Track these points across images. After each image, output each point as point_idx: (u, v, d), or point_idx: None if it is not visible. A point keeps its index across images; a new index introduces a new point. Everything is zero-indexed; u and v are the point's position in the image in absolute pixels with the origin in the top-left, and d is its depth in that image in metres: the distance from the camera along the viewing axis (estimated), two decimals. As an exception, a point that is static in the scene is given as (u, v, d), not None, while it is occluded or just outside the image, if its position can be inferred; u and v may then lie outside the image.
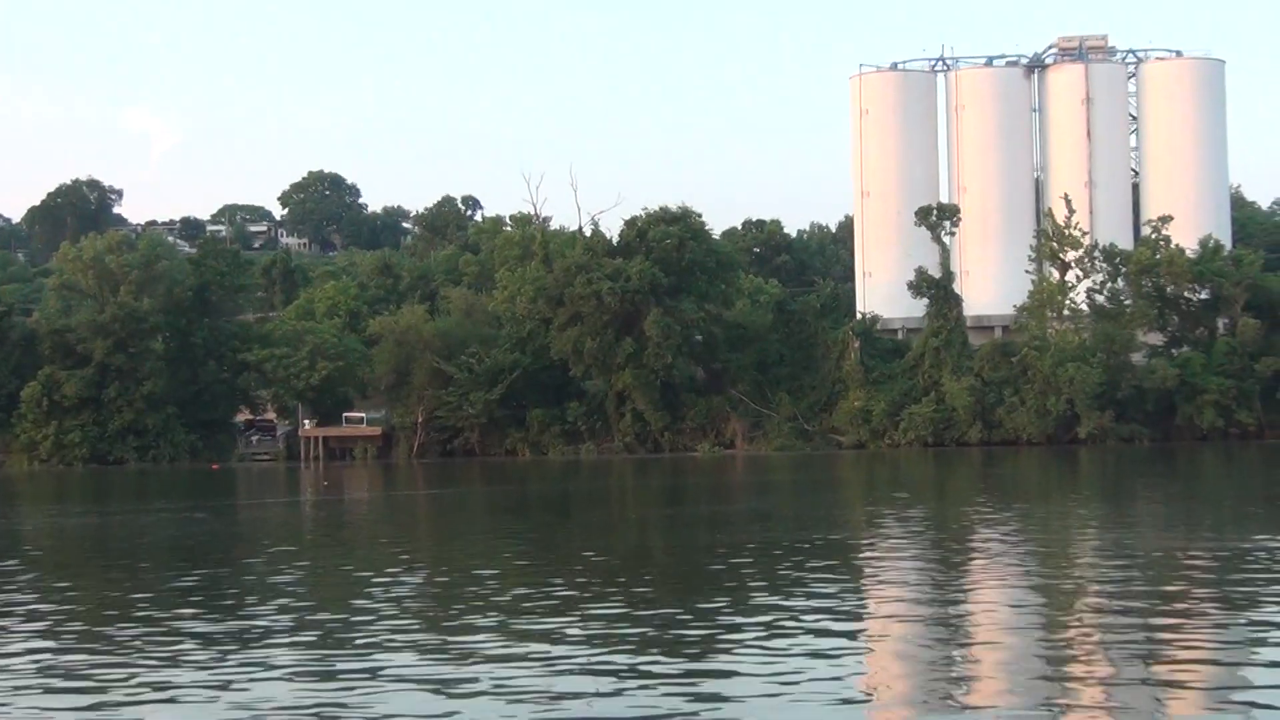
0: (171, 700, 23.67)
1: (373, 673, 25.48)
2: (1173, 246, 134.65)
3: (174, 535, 58.58)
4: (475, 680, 24.51)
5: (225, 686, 24.58)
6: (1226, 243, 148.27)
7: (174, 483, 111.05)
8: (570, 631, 29.45)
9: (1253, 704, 21.72)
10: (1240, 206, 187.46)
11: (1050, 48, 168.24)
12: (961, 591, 35.75)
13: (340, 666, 26.22)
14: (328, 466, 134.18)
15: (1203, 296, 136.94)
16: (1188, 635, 27.63)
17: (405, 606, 34.14)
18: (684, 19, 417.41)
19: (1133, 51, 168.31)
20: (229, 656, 27.50)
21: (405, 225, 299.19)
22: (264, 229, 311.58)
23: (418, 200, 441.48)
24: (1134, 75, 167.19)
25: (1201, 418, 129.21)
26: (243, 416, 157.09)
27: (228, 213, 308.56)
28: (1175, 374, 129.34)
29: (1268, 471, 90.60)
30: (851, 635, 29.10)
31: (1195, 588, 33.99)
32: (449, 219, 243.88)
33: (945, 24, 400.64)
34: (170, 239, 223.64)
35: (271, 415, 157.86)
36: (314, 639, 29.59)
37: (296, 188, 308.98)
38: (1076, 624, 29.52)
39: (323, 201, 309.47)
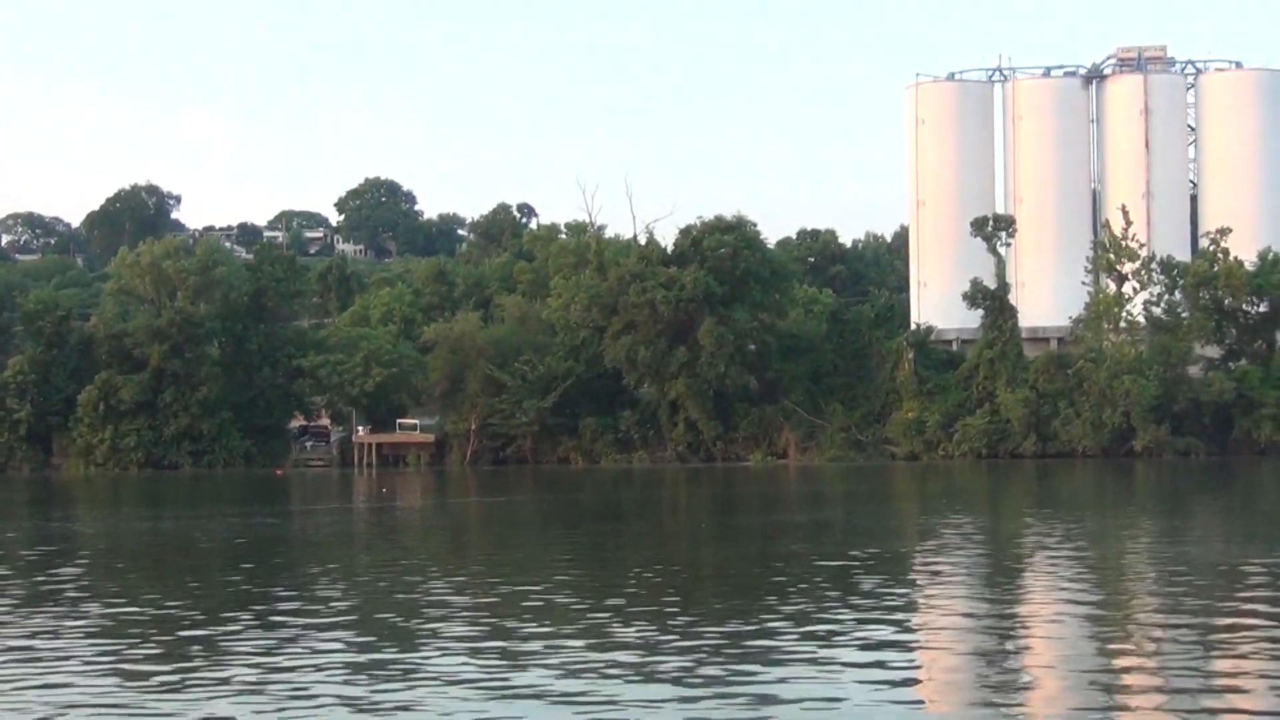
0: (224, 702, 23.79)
1: (422, 680, 25.55)
2: (1231, 259, 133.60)
3: (251, 540, 58.87)
4: (523, 687, 24.54)
5: (275, 697, 24.69)
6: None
7: (234, 488, 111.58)
8: (622, 640, 29.43)
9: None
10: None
11: (1109, 58, 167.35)
12: (1016, 606, 35.59)
13: (392, 673, 26.30)
14: (381, 473, 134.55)
15: (1261, 309, 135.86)
16: (1244, 652, 27.41)
17: (463, 615, 34.19)
18: (739, 28, 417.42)
19: (1192, 62, 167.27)
20: (279, 662, 27.60)
21: (460, 232, 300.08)
22: (320, 235, 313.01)
23: (473, 207, 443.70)
24: (1193, 86, 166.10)
25: (1259, 431, 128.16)
26: (297, 422, 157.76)
27: (284, 219, 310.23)
28: (1232, 387, 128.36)
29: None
30: (905, 649, 29.00)
31: (1252, 604, 33.71)
32: (504, 226, 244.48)
33: (1003, 34, 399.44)
34: (227, 244, 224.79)
35: (325, 421, 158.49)
36: (367, 642, 29.70)
37: (353, 194, 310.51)
38: (1132, 640, 29.34)
39: (378, 208, 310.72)
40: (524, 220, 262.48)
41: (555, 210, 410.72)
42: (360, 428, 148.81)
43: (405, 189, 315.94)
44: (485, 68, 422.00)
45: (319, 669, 26.86)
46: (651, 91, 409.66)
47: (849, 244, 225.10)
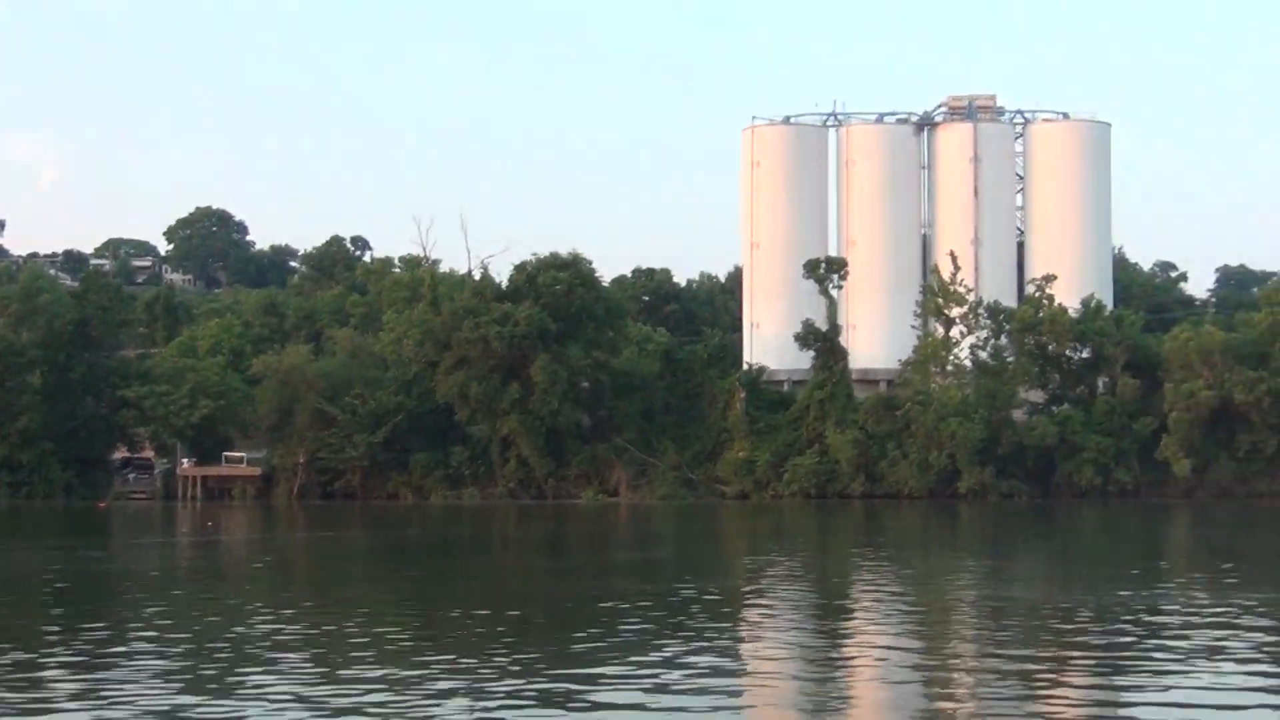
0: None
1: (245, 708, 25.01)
2: (1055, 305, 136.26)
3: (71, 574, 57.43)
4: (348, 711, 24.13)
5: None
6: (1108, 303, 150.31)
7: (53, 521, 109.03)
8: (444, 681, 29.02)
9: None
10: (1122, 267, 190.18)
11: (940, 106, 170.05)
12: (841, 644, 35.72)
13: (207, 711, 25.71)
14: (205, 506, 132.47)
15: (1084, 355, 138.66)
16: (1063, 689, 27.73)
17: (282, 656, 33.56)
18: (578, 64, 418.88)
19: (1020, 112, 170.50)
20: (97, 699, 26.88)
21: (293, 264, 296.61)
22: (148, 264, 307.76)
23: (306, 239, 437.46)
24: (1021, 135, 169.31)
25: (1080, 475, 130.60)
26: (120, 454, 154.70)
27: (111, 246, 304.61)
28: (1055, 431, 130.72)
29: (1143, 529, 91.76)
30: (731, 681, 28.91)
31: (1072, 643, 34.17)
32: (337, 259, 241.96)
33: (838, 80, 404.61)
34: (52, 272, 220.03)
35: (149, 453, 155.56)
36: (185, 682, 29.01)
37: (183, 223, 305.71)
38: (952, 677, 29.55)
39: (209, 238, 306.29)
40: (357, 253, 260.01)
41: (389, 244, 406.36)
42: (185, 460, 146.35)
43: (237, 219, 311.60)
44: (320, 99, 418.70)
45: (136, 706, 26.17)
46: (488, 126, 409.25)
47: (683, 283, 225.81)
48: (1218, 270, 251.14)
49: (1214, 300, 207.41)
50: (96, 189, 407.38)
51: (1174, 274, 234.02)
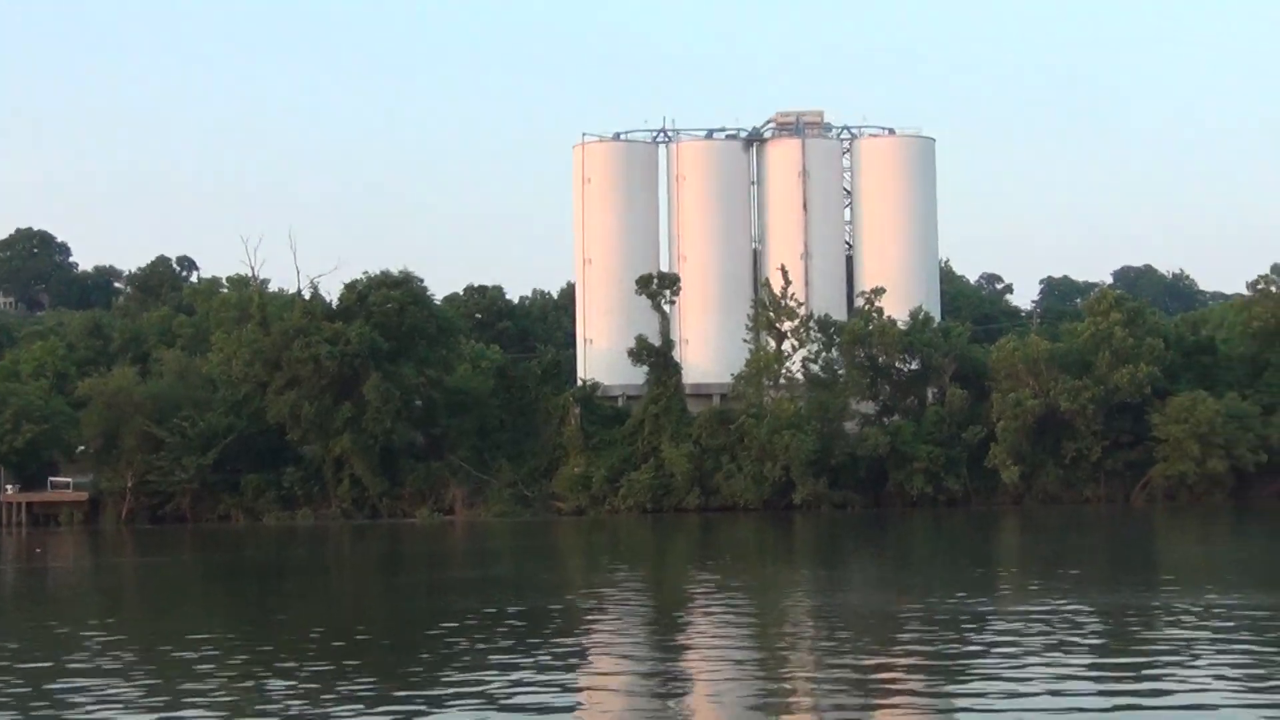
0: None
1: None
2: (884, 318, 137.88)
3: None
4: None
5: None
6: (936, 315, 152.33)
7: None
8: (285, 703, 28.65)
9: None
10: (949, 280, 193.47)
11: (768, 122, 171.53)
12: (680, 655, 35.85)
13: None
14: (32, 533, 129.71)
15: (913, 367, 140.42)
16: (899, 694, 28.06)
17: (117, 684, 32.92)
18: (405, 82, 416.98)
19: (847, 128, 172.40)
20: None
21: (117, 285, 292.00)
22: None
23: (130, 260, 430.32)
24: (848, 151, 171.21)
25: (911, 484, 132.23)
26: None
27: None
28: (886, 442, 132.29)
29: (974, 536, 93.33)
30: (570, 703, 28.88)
31: (904, 646, 34.60)
32: (163, 279, 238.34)
33: (668, 97, 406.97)
34: None
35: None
36: (16, 713, 28.37)
37: (3, 245, 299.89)
38: (789, 681, 29.76)
39: (30, 259, 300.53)
40: (184, 274, 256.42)
41: (217, 264, 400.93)
42: (9, 486, 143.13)
43: (59, 240, 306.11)
44: (142, 116, 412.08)
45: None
46: (315, 144, 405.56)
47: (516, 300, 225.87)
48: (1042, 282, 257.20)
49: (1039, 311, 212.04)
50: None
51: (999, 286, 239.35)
